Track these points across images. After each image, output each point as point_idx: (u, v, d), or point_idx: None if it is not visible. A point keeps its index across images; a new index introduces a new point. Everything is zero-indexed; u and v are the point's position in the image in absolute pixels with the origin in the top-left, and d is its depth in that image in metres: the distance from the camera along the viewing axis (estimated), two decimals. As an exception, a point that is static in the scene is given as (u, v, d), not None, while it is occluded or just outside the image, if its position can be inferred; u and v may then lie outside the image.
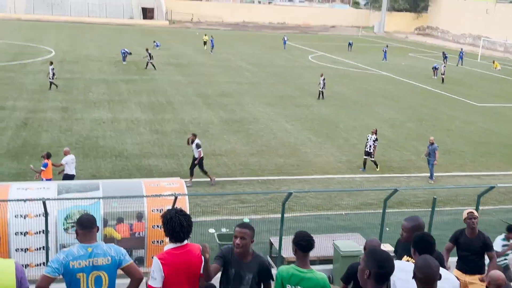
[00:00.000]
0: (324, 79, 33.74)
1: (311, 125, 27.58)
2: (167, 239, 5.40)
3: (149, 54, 41.51)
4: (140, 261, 12.51)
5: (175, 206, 11.14)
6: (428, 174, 20.32)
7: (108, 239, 11.71)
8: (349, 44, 64.49)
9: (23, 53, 45.01)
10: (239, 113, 29.14)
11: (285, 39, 63.34)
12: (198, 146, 18.64)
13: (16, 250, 11.53)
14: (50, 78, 31.38)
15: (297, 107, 31.41)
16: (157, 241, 12.13)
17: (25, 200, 11.14)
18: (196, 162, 18.57)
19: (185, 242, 5.34)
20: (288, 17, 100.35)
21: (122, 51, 43.91)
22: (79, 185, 12.80)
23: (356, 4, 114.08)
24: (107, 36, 61.90)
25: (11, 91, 30.27)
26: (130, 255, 12.47)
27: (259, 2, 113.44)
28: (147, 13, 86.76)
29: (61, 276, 5.37)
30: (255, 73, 43.23)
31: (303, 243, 5.66)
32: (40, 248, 11.58)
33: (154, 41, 55.26)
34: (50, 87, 31.38)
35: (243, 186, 18.83)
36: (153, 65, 41.22)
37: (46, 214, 10.73)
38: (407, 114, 31.34)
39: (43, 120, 25.09)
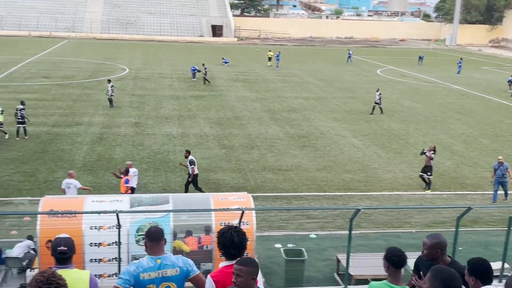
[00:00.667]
0: (380, 94, 33.17)
1: (379, 140, 27.10)
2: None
3: (205, 69, 42.83)
4: (208, 274, 12.68)
5: (241, 221, 11.24)
6: (503, 192, 19.40)
7: (177, 252, 11.95)
8: (420, 57, 63.04)
9: (99, 70, 47.06)
10: (306, 128, 29.08)
11: (350, 53, 62.76)
12: (192, 163, 18.35)
13: (90, 260, 11.98)
14: (109, 96, 32.40)
15: (365, 122, 30.98)
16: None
17: (99, 213, 11.60)
18: (190, 179, 18.32)
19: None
20: (356, 31, 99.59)
21: (192, 68, 45.01)
22: (151, 198, 13.17)
23: (426, 17, 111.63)
24: (178, 54, 63.69)
25: (87, 107, 31.68)
26: (198, 268, 12.67)
27: (327, 17, 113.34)
28: (216, 30, 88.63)
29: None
30: (322, 88, 43.07)
31: (395, 259, 5.55)
32: (112, 259, 11.97)
33: (223, 58, 56.29)
34: (110, 104, 32.28)
35: (309, 202, 18.72)
36: (206, 80, 42.44)
37: (119, 226, 11.08)
38: (481, 129, 30.18)
39: (117, 135, 26.07)
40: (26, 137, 24.55)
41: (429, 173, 20.10)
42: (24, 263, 12.80)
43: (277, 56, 55.59)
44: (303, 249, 13.19)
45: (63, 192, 16.01)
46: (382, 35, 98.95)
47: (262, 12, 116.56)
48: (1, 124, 24.55)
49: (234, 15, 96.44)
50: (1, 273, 12.61)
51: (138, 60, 55.94)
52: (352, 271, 12.13)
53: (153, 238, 5.58)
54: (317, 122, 30.61)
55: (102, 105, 32.58)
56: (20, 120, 24.64)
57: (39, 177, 19.82)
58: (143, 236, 11.93)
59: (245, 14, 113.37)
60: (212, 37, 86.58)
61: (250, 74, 49.66)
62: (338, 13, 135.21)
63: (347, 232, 11.89)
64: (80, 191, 16.15)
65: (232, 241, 5.14)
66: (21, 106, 24.91)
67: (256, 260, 5.01)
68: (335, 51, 76.65)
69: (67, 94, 35.22)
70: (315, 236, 15.73)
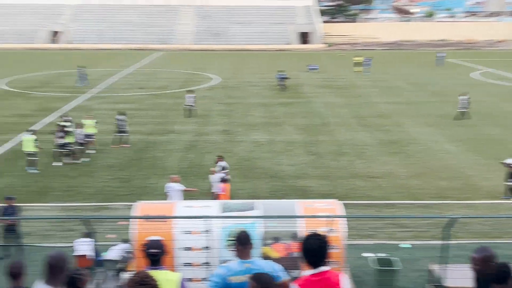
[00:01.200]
0: (468, 98, 31.38)
1: (475, 146, 25.77)
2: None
3: (282, 76, 43.69)
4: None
5: (330, 228, 11.05)
6: None
7: (265, 258, 11.96)
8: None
9: (190, 80, 48.54)
10: (397, 134, 28.26)
11: (441, 55, 60.22)
12: (223, 168, 18.72)
13: (181, 264, 12.28)
14: (189, 106, 32.44)
15: (459, 127, 29.61)
16: (313, 263, 12.09)
17: (190, 218, 11.87)
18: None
19: (323, 268, 5.10)
20: (449, 33, 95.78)
21: (278, 76, 45.22)
22: (239, 205, 13.29)
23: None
24: (266, 62, 64.33)
25: (179, 116, 32.72)
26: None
27: (418, 20, 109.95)
28: (304, 37, 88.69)
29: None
30: (413, 92, 41.74)
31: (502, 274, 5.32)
32: (202, 264, 12.20)
33: (308, 65, 56.12)
34: (190, 114, 32.33)
35: (401, 210, 18.10)
36: (284, 86, 42.96)
37: (208, 231, 11.27)
38: None
39: (207, 142, 26.70)
40: (126, 146, 25.65)
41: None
42: (120, 266, 13.34)
43: (368, 61, 54.45)
44: (396, 258, 12.76)
45: (166, 196, 16.60)
46: (478, 36, 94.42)
47: (350, 17, 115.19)
48: (93, 135, 24.59)
49: (322, 21, 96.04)
50: (100, 275, 13.20)
51: (227, 69, 57.12)
52: (448, 283, 11.54)
53: (242, 242, 5.62)
54: (408, 128, 29.65)
55: (193, 113, 33.49)
56: (121, 129, 25.82)
57: (134, 183, 20.68)
58: (232, 242, 12.13)
59: (333, 20, 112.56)
60: (300, 44, 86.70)
61: (338, 80, 49.12)
62: (430, 15, 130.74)
63: (441, 242, 11.35)
64: (181, 194, 16.60)
65: (313, 248, 5.00)
66: (121, 117, 26.04)
67: (269, 277, 4.80)
68: (426, 54, 74.08)
69: (160, 104, 36.60)
70: (410, 246, 15.17)
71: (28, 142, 21.85)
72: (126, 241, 13.88)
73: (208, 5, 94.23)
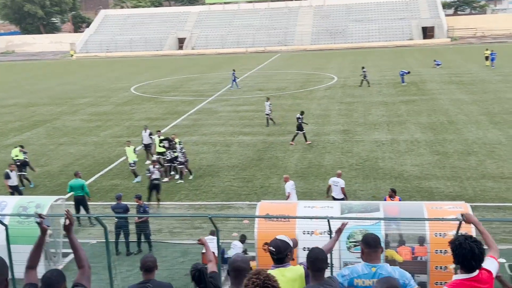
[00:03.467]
0: None
1: None
2: (450, 266, 5.02)
3: (364, 72, 43.20)
4: (422, 286, 12.08)
5: (459, 232, 10.46)
6: None
7: (389, 261, 11.61)
8: None
9: (309, 81, 48.60)
10: (533, 132, 26.14)
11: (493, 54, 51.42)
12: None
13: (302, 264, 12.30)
14: (267, 114, 30.84)
15: None
16: (440, 267, 11.54)
17: (311, 218, 11.85)
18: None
19: (477, 271, 4.83)
20: None
21: (401, 73, 43.83)
22: (361, 206, 13.05)
23: None
24: (387, 59, 62.64)
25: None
26: (412, 279, 12.16)
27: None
28: (427, 32, 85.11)
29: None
30: (552, 86, 38.36)
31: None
32: (324, 264, 12.13)
33: (434, 60, 53.75)
34: (267, 123, 30.80)
35: (539, 214, 16.70)
36: (367, 82, 42.91)
37: (330, 232, 11.18)
38: None
39: (326, 142, 26.54)
40: (307, 142, 26.23)
41: None
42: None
43: (492, 54, 50.94)
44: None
45: (328, 187, 17.36)
46: None
47: (477, 9, 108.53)
48: (134, 163, 22.44)
49: (447, 15, 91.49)
50: (225, 272, 13.62)
51: (346, 68, 56.41)
52: None
53: (370, 245, 5.48)
54: (547, 125, 27.31)
55: (312, 114, 33.48)
56: (299, 127, 26.46)
57: (255, 183, 21.12)
58: (354, 243, 11.93)
59: (459, 13, 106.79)
60: (423, 39, 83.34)
61: (465, 75, 46.48)
62: None
63: None
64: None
65: (473, 253, 4.73)
66: (300, 115, 26.74)
67: (396, 283, 4.70)
68: None
69: (279, 105, 37.02)
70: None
71: (130, 153, 22.40)
72: (243, 238, 14.21)
73: (327, 4, 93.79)
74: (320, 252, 5.44)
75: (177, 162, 21.99)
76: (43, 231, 5.03)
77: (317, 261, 5.31)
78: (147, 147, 24.74)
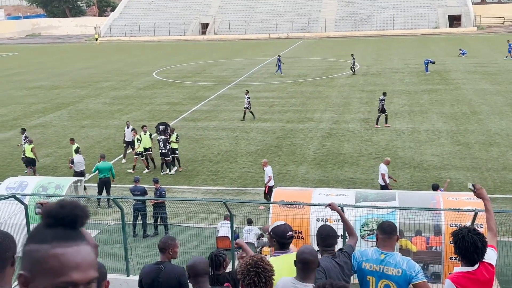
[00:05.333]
0: None
1: None
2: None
3: (353, 60, 43.37)
4: (437, 276, 12.05)
5: (474, 223, 10.37)
6: None
7: (403, 251, 11.59)
8: None
9: (331, 68, 48.26)
10: (558, 124, 25.64)
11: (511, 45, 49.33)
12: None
13: (317, 251, 12.34)
14: (245, 107, 29.42)
15: None
16: (455, 258, 11.46)
17: (326, 205, 11.84)
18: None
19: (478, 264, 4.82)
20: None
21: (426, 61, 43.24)
22: (376, 194, 13.01)
23: None
24: (411, 47, 61.80)
25: (319, 104, 32.75)
26: (426, 269, 12.12)
27: None
28: (454, 20, 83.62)
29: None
30: None
31: None
32: (338, 252, 12.15)
33: (460, 49, 52.87)
34: (243, 117, 29.46)
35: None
36: (352, 70, 43.38)
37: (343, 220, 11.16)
38: None
39: (346, 130, 26.41)
40: (386, 125, 26.47)
41: None
42: (258, 250, 13.76)
43: (510, 45, 49.53)
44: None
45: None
46: None
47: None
48: (149, 148, 22.05)
49: (474, 3, 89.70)
50: (238, 255, 13.74)
51: (370, 56, 55.84)
52: None
53: (386, 231, 5.49)
54: None
55: (332, 101, 33.32)
56: (382, 109, 26.67)
57: (273, 169, 21.10)
58: (368, 232, 11.92)
59: (487, 1, 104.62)
60: (449, 28, 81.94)
61: (491, 65, 45.65)
62: None
63: None
64: (309, 184, 16.71)
65: (475, 246, 4.71)
66: (383, 97, 26.93)
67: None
68: None
69: (300, 92, 36.90)
70: None
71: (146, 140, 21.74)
72: (249, 223, 14.28)
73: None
74: (331, 229, 5.65)
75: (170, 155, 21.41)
76: None
77: (328, 238, 5.58)
78: (129, 144, 22.86)
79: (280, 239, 5.61)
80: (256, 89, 38.85)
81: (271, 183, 17.56)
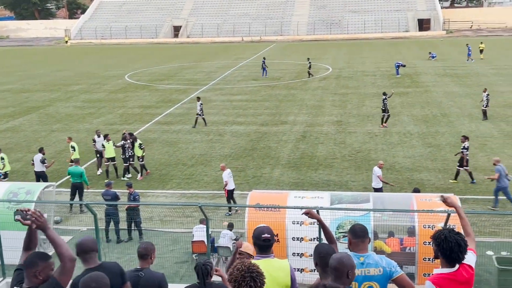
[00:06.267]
0: (488, 95, 27.84)
1: None
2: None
3: (309, 63, 44.03)
4: (410, 277, 12.15)
5: (447, 225, 10.53)
6: None
7: (377, 252, 11.69)
8: None
9: (304, 71, 48.42)
10: (525, 126, 26.26)
11: (469, 48, 50.51)
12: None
13: (292, 254, 12.36)
14: (198, 114, 28.67)
15: None
16: (429, 259, 11.62)
17: (301, 208, 11.88)
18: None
19: (457, 266, 4.88)
20: None
21: (396, 64, 43.83)
22: (351, 197, 13.10)
23: None
24: (382, 51, 62.60)
25: (292, 107, 32.89)
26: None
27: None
28: (423, 24, 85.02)
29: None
30: (545, 80, 38.46)
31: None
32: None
33: (430, 53, 53.76)
34: (195, 124, 28.67)
35: (528, 207, 16.81)
36: (308, 73, 43.76)
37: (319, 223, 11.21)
38: None
39: (319, 133, 26.56)
40: (384, 126, 27.01)
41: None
42: (233, 253, 13.72)
43: (469, 48, 50.49)
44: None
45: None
46: None
47: (474, 2, 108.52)
48: (113, 158, 21.46)
49: (443, 7, 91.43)
50: (215, 260, 13.68)
51: (342, 59, 56.36)
52: None
53: (357, 235, 5.50)
54: (539, 119, 27.42)
55: (306, 104, 33.50)
56: (383, 108, 27.39)
57: (248, 172, 21.14)
58: (343, 234, 11.98)
59: (456, 5, 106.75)
60: (419, 32, 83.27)
61: (460, 68, 46.54)
62: None
63: None
64: (283, 187, 16.71)
65: (459, 245, 4.78)
66: (384, 97, 27.58)
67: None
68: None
69: (274, 95, 37.00)
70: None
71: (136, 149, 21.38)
72: (230, 227, 14.24)
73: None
74: (330, 248, 5.49)
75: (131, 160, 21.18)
76: (28, 226, 4.91)
77: (328, 257, 5.31)
78: (99, 153, 21.97)
79: (256, 239, 5.60)
80: (229, 92, 38.82)
81: (229, 186, 17.55)
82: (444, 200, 5.58)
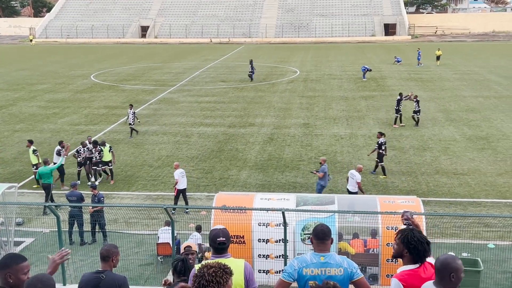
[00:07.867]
0: (417, 101, 28.56)
1: None
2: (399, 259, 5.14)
3: (252, 66, 44.05)
4: (374, 278, 12.36)
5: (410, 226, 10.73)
6: None
7: (342, 253, 11.83)
8: None
9: (272, 73, 48.72)
10: (486, 129, 26.94)
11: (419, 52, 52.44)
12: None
13: (258, 256, 12.40)
14: (130, 124, 26.77)
15: (557, 123, 27.72)
16: (392, 260, 11.82)
17: (267, 210, 11.94)
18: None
19: (419, 263, 5.01)
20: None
21: (363, 68, 44.43)
22: (316, 198, 13.23)
23: None
24: (349, 54, 63.36)
25: (260, 109, 32.97)
26: (364, 271, 12.42)
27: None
28: (389, 29, 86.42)
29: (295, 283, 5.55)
30: (506, 86, 39.54)
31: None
32: (279, 256, 12.25)
33: (395, 57, 54.66)
34: (131, 134, 26.89)
35: (487, 209, 17.28)
36: (250, 77, 43.87)
37: (285, 224, 11.30)
38: None
39: (286, 135, 26.72)
40: (401, 125, 28.10)
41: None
42: (200, 255, 13.68)
43: (419, 53, 51.72)
44: (478, 259, 12.21)
45: (347, 178, 17.62)
46: None
47: (439, 8, 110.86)
48: (110, 161, 21.04)
49: (409, 13, 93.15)
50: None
51: (309, 62, 56.79)
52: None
53: (318, 237, 5.56)
54: (499, 123, 28.18)
55: (273, 107, 33.64)
56: (397, 108, 28.19)
57: (215, 174, 21.11)
58: (309, 235, 12.08)
59: (421, 10, 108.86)
60: (385, 36, 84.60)
61: (424, 72, 47.47)
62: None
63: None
64: (250, 188, 16.76)
65: (427, 241, 4.94)
66: (399, 97, 28.35)
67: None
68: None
69: (242, 97, 37.04)
70: (493, 246, 14.47)
71: (106, 152, 20.92)
72: (199, 229, 14.21)
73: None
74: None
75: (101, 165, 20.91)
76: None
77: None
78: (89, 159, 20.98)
79: (211, 242, 5.60)
80: (197, 94, 38.68)
81: (180, 185, 17.60)
82: (406, 221, 5.79)
